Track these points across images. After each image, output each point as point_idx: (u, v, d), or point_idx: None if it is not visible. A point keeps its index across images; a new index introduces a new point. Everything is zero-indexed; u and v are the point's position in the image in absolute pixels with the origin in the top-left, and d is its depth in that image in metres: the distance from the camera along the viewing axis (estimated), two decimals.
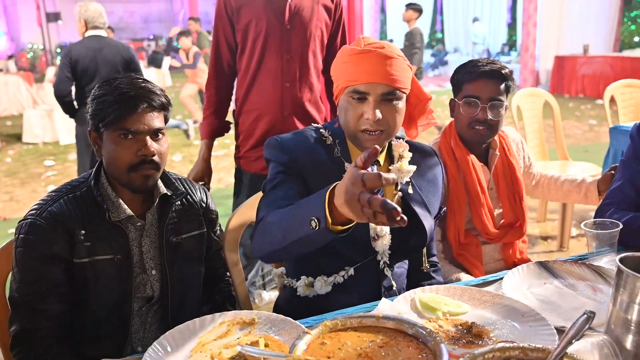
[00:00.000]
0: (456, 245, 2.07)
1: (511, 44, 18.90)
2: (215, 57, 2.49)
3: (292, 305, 1.67)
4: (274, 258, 1.53)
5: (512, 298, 1.37)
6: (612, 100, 4.38)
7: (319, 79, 2.44)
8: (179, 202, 1.61)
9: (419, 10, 7.40)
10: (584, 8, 11.45)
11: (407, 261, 1.76)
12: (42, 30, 17.76)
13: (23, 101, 11.18)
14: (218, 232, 1.77)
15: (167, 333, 1.25)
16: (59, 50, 18.86)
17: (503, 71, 1.95)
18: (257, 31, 2.35)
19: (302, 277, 1.65)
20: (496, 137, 2.10)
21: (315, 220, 1.15)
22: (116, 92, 1.43)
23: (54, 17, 18.20)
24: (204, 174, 2.57)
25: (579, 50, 11.24)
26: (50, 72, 11.81)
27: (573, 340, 1.03)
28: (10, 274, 1.49)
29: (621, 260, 1.07)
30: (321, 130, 1.66)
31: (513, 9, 19.65)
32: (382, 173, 0.97)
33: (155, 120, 1.47)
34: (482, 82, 1.96)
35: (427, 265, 1.77)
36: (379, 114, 1.48)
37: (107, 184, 1.52)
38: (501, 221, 2.12)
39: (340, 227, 1.16)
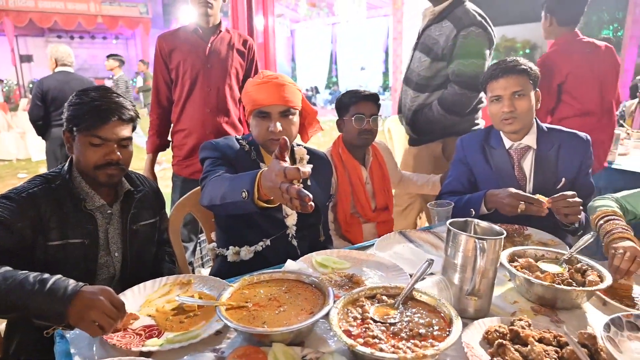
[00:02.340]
0: (344, 224, 2.13)
1: (385, 87, 19.74)
2: (156, 90, 2.46)
3: (223, 271, 1.65)
4: (213, 209, 1.51)
5: (380, 256, 1.45)
6: None
7: (236, 106, 2.45)
8: (141, 196, 1.53)
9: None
10: None
11: (308, 235, 1.79)
12: (16, 69, 16.29)
13: None
14: (165, 219, 1.69)
15: (119, 294, 1.19)
16: (30, 85, 17.39)
17: (374, 94, 2.08)
18: (184, 69, 2.34)
19: (230, 247, 1.65)
20: (370, 147, 2.20)
21: (245, 192, 1.16)
22: (92, 103, 1.34)
23: (26, 58, 17.03)
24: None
25: None
26: (23, 103, 10.85)
27: (419, 280, 1.11)
28: None
29: (450, 224, 1.17)
30: (240, 140, 1.68)
31: (386, 61, 20.52)
32: (300, 167, 1.00)
33: (124, 130, 1.39)
34: (364, 103, 2.06)
35: (323, 237, 1.82)
36: (279, 127, 1.55)
37: (81, 178, 1.40)
38: (375, 206, 2.21)
39: (262, 203, 1.18)
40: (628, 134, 3.50)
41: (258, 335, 0.95)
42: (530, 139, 1.80)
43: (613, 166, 2.80)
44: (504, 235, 1.11)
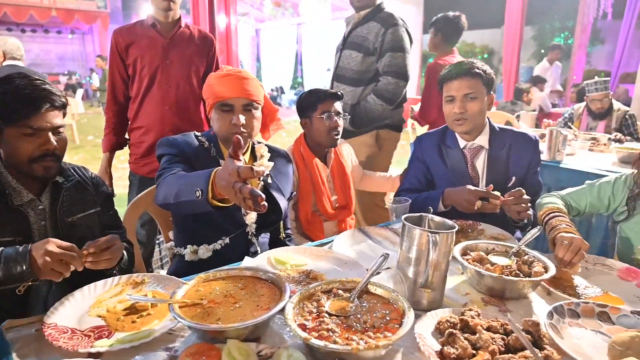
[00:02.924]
0: (305, 223, 2.14)
1: None
2: (112, 86, 2.38)
3: (181, 270, 1.62)
4: (168, 208, 1.47)
5: (339, 252, 1.46)
6: (413, 127, 4.81)
7: (198, 104, 2.40)
8: (71, 186, 1.39)
9: None
10: None
11: (268, 233, 1.79)
12: None
13: None
14: (112, 212, 1.55)
15: (68, 295, 1.15)
16: None
17: (338, 93, 2.09)
18: (142, 65, 2.28)
19: (188, 246, 1.62)
20: None
21: (200, 191, 1.15)
22: (19, 92, 1.22)
23: None
24: (104, 181, 2.41)
25: None
26: None
27: (374, 273, 1.13)
28: None
29: (405, 219, 1.19)
30: (199, 137, 1.65)
31: None
32: (253, 166, 1.00)
33: (57, 118, 1.29)
34: (331, 101, 2.07)
35: (283, 234, 1.82)
36: (242, 120, 1.54)
37: (7, 173, 1.29)
38: (336, 205, 2.23)
39: (216, 202, 1.16)
40: (575, 135, 3.68)
41: (212, 332, 0.94)
42: (483, 139, 1.86)
43: (561, 165, 2.94)
44: (456, 229, 1.15)
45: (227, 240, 1.62)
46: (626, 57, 7.95)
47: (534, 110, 5.66)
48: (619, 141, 3.51)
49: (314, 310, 1.00)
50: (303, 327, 0.94)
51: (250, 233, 1.67)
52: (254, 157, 1.72)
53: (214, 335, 0.95)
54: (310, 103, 2.11)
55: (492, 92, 1.84)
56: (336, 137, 2.10)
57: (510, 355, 0.90)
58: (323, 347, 0.86)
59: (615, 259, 1.62)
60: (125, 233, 1.57)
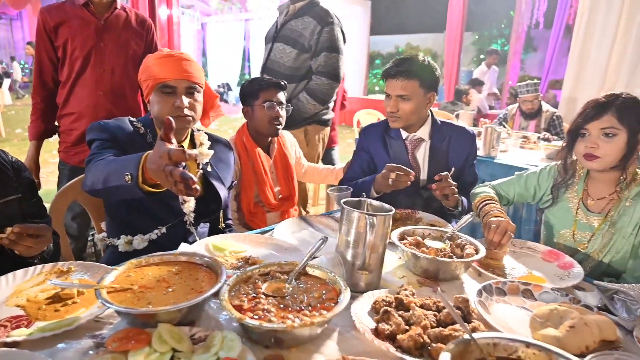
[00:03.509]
0: (248, 213, 2.11)
1: None
2: (39, 70, 2.21)
3: (113, 262, 1.53)
4: (96, 194, 1.38)
5: (279, 239, 1.46)
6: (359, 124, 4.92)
7: (135, 90, 2.30)
8: None
9: None
10: (345, 64, 12.54)
11: (208, 223, 1.75)
12: None
13: None
14: (36, 200, 1.45)
15: None
16: None
17: (282, 83, 2.07)
18: (73, 47, 2.14)
19: (122, 236, 1.54)
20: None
21: (129, 175, 1.10)
22: None
23: None
24: (31, 171, 2.24)
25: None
26: None
27: (313, 256, 1.13)
28: None
29: (344, 203, 1.21)
30: (134, 122, 1.58)
31: None
32: (185, 149, 0.96)
33: None
34: (274, 90, 2.05)
35: (223, 224, 1.78)
36: (186, 102, 1.50)
37: None
38: (279, 196, 2.22)
39: (148, 188, 1.12)
40: (508, 134, 3.91)
41: (142, 316, 0.90)
42: (424, 132, 1.93)
43: (495, 161, 3.11)
44: (393, 212, 1.18)
45: (163, 229, 1.57)
46: (554, 64, 8.56)
47: (473, 111, 5.95)
48: (547, 140, 3.77)
49: (251, 292, 0.99)
50: (239, 308, 0.92)
51: (188, 222, 1.62)
52: (193, 144, 1.68)
53: (144, 319, 0.91)
54: (252, 91, 2.08)
55: (433, 91, 1.87)
56: (277, 127, 2.08)
57: (440, 328, 0.93)
58: (258, 327, 0.86)
59: (541, 243, 1.74)
60: (50, 223, 1.47)
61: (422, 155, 1.94)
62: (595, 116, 1.48)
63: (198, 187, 0.95)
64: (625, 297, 1.10)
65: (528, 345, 0.81)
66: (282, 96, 2.10)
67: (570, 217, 1.64)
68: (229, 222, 1.85)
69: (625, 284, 1.15)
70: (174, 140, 1.02)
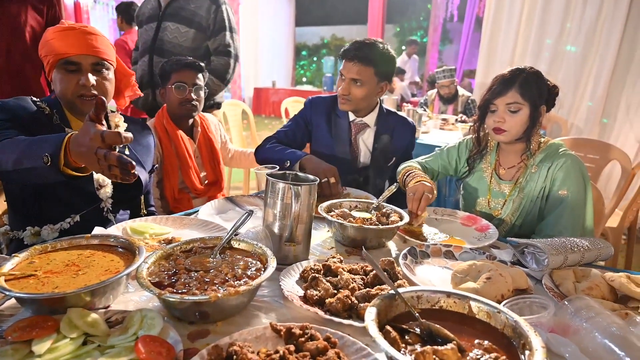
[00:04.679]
0: (172, 200, 2.01)
1: None
2: None
3: None
4: (3, 178, 1.24)
5: (204, 219, 1.40)
6: (287, 112, 4.89)
7: (36, 71, 2.09)
8: None
9: None
10: (271, 55, 12.41)
11: (128, 210, 1.63)
12: None
13: None
14: None
15: None
16: None
17: (198, 63, 1.98)
18: None
19: (28, 228, 1.39)
20: (198, 118, 2.11)
21: (48, 157, 1.00)
22: None
23: None
24: None
25: (269, 84, 12.14)
26: None
27: (238, 228, 1.10)
28: None
29: (269, 175, 1.18)
30: (38, 102, 1.43)
31: None
32: (120, 132, 0.88)
33: None
34: (186, 72, 1.95)
35: (145, 211, 1.68)
36: (92, 80, 1.37)
37: None
38: (206, 181, 2.14)
39: (70, 171, 1.03)
40: (429, 117, 4.10)
41: (48, 301, 0.81)
42: (370, 119, 1.95)
43: (418, 141, 3.24)
44: (317, 182, 1.17)
45: (77, 218, 1.44)
46: (468, 55, 9.09)
47: (396, 97, 6.16)
48: (464, 121, 4.00)
49: (172, 269, 0.93)
50: (159, 285, 0.87)
51: (105, 209, 1.50)
52: (107, 127, 1.55)
53: (51, 305, 0.82)
54: (165, 72, 1.99)
55: (387, 81, 1.86)
56: (189, 109, 1.99)
57: (368, 289, 0.94)
58: (179, 301, 0.81)
59: None
60: None
61: (364, 141, 1.97)
62: (501, 92, 1.58)
63: (137, 172, 0.89)
64: (534, 249, 1.18)
65: (449, 295, 0.84)
66: (195, 77, 2.00)
67: (485, 185, 1.74)
68: (152, 209, 1.75)
69: (534, 239, 1.25)
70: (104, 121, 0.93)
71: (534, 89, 1.56)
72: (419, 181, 1.55)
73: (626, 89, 4.05)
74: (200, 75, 2.01)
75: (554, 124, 4.37)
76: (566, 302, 0.88)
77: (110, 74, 1.45)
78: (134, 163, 0.88)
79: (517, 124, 1.57)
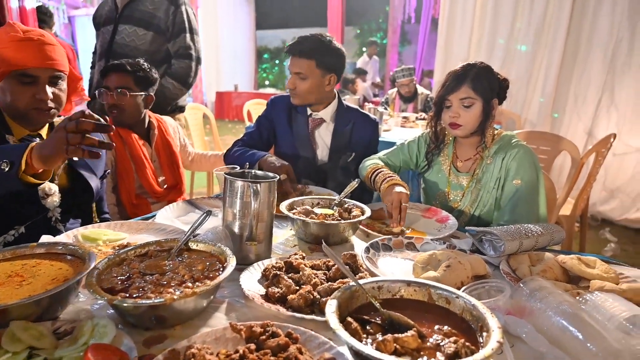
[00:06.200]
0: (130, 206, 1.93)
1: None
2: None
3: None
4: None
5: (162, 223, 1.35)
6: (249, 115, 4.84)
7: None
8: None
9: None
10: (233, 58, 12.26)
11: (79, 219, 1.56)
12: None
13: None
14: None
15: None
16: None
17: (129, 67, 1.89)
18: None
19: None
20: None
21: (6, 163, 0.99)
22: None
23: None
24: None
25: (232, 87, 11.99)
26: None
27: (197, 228, 1.06)
28: None
29: (228, 174, 1.15)
30: None
31: None
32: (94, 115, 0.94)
33: None
34: (112, 75, 1.88)
35: (97, 220, 1.60)
36: (50, 94, 1.31)
37: None
38: (165, 185, 2.08)
39: (29, 178, 1.04)
40: (390, 115, 4.16)
41: None
42: (326, 113, 1.94)
43: (380, 139, 3.26)
44: (277, 179, 1.15)
45: (22, 229, 1.35)
46: (426, 55, 9.29)
47: (358, 97, 6.22)
48: (424, 119, 4.07)
49: (125, 274, 0.89)
50: (110, 291, 0.82)
51: (53, 219, 1.42)
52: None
53: None
54: (100, 78, 1.93)
55: (333, 73, 1.84)
56: (114, 116, 1.87)
57: (330, 283, 0.93)
58: (133, 306, 0.77)
59: None
60: None
61: (321, 136, 1.96)
62: (454, 88, 1.61)
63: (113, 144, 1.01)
64: (492, 237, 1.21)
65: (409, 284, 0.84)
66: (121, 80, 1.86)
67: (444, 178, 1.77)
68: (106, 216, 1.68)
69: (491, 228, 1.27)
70: None
71: (485, 83, 1.60)
72: (392, 184, 1.55)
73: (574, 81, 4.25)
74: (129, 79, 1.88)
75: (508, 119, 4.53)
76: (521, 285, 0.90)
77: (65, 84, 1.41)
78: (109, 119, 0.91)
79: (471, 118, 1.60)
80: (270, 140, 2.01)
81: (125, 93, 1.85)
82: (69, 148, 0.96)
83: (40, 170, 1.08)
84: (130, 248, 0.98)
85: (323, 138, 1.96)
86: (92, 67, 2.71)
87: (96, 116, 0.99)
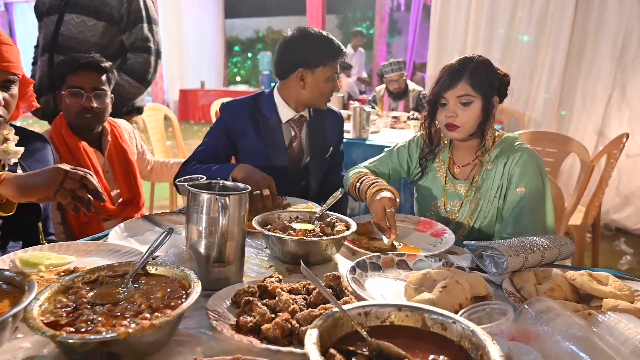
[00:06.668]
0: (78, 225, 1.91)
1: None
2: None
3: None
4: None
5: (115, 244, 1.33)
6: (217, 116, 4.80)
7: None
8: None
9: None
10: (198, 52, 12.22)
11: (20, 241, 1.53)
12: None
13: None
14: None
15: None
16: None
17: (102, 64, 1.89)
18: None
19: None
20: (107, 125, 2.03)
21: None
22: None
23: None
24: None
25: (197, 85, 11.94)
26: None
27: (156, 250, 1.06)
28: None
29: (191, 186, 1.14)
30: None
31: None
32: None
33: None
34: (83, 74, 1.86)
35: (45, 241, 1.58)
36: (1, 99, 1.30)
37: None
38: (119, 200, 2.05)
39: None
40: (378, 115, 4.20)
41: None
42: (305, 110, 2.01)
43: (367, 142, 3.31)
44: (248, 191, 1.15)
45: None
46: (417, 47, 9.43)
47: (342, 95, 6.27)
48: (416, 119, 4.13)
49: (72, 304, 0.87)
50: (54, 325, 0.81)
51: None
52: None
53: None
54: (59, 74, 1.90)
55: (302, 68, 1.86)
56: (89, 121, 1.90)
57: (310, 309, 0.93)
58: (80, 341, 0.75)
59: None
60: None
61: (306, 136, 2.00)
62: (451, 84, 1.64)
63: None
64: (493, 252, 1.22)
65: (400, 308, 0.84)
66: (96, 80, 1.90)
67: (440, 187, 1.80)
68: (52, 237, 1.65)
69: (491, 242, 1.29)
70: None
71: (485, 79, 1.63)
72: (377, 190, 1.57)
73: (581, 76, 4.36)
74: (103, 77, 1.91)
75: (511, 118, 4.63)
76: (526, 306, 0.91)
77: (16, 89, 1.41)
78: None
79: (470, 118, 1.63)
80: (229, 155, 1.99)
81: (104, 95, 1.86)
82: (60, 189, 1.03)
83: (4, 201, 1.13)
84: (77, 274, 0.96)
85: (302, 139, 1.99)
86: (34, 64, 2.66)
87: (97, 184, 1.09)
